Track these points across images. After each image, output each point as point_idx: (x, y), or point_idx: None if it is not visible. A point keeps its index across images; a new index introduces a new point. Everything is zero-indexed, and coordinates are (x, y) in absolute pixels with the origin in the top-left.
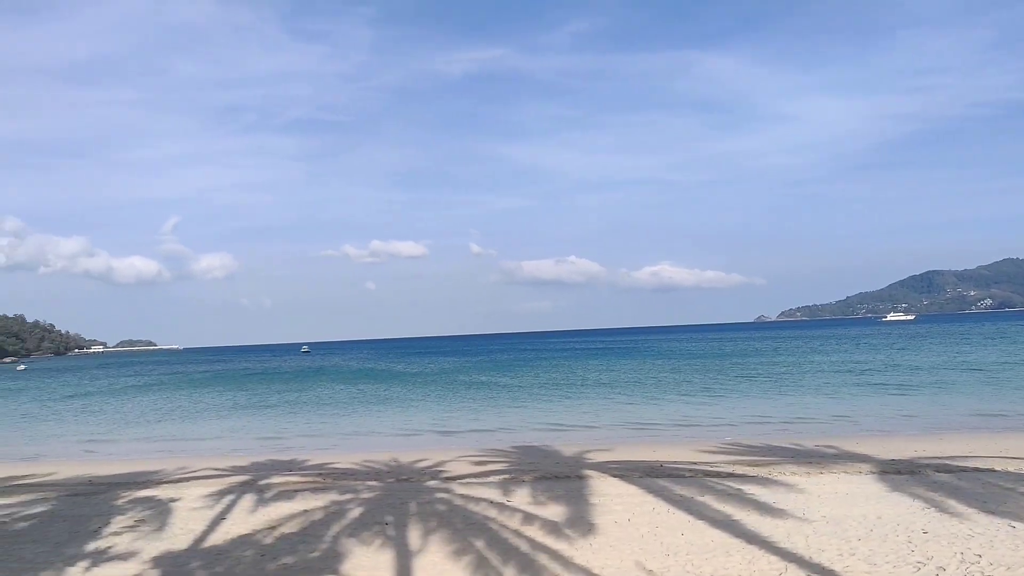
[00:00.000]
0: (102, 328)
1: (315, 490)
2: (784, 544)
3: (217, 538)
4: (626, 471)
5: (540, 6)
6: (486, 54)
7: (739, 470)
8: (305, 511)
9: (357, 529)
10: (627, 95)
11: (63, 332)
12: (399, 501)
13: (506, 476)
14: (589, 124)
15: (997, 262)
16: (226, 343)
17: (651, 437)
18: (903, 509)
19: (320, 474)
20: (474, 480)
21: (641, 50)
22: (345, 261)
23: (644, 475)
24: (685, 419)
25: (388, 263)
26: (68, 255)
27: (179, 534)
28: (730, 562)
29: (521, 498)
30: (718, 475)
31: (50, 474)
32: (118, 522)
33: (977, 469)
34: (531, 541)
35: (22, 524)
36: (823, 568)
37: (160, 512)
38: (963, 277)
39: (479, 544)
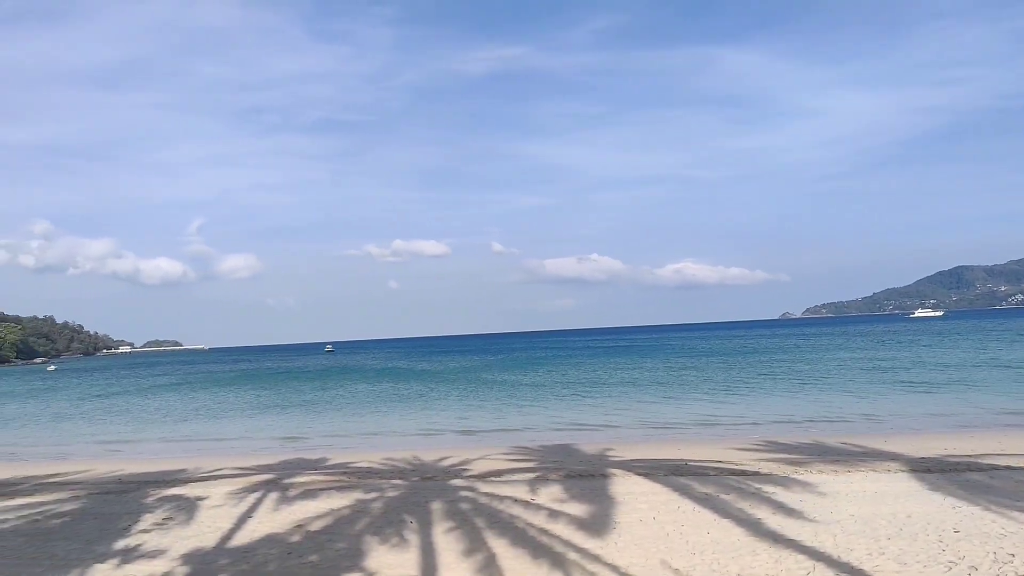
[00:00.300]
0: (130, 329)
1: (340, 489)
2: (811, 543)
3: (244, 536)
4: (651, 469)
5: (560, 4)
6: (506, 52)
7: (765, 469)
8: (330, 510)
9: (382, 527)
10: (648, 92)
11: (92, 333)
12: (423, 500)
13: (530, 475)
14: (610, 121)
15: None
16: (251, 343)
17: (675, 436)
18: (933, 508)
19: (344, 473)
20: (498, 479)
21: (662, 47)
22: (368, 260)
23: (669, 473)
24: (709, 418)
25: (410, 262)
26: (96, 257)
27: (207, 532)
28: (756, 561)
29: (546, 496)
30: (744, 474)
31: (80, 472)
32: (147, 520)
33: (1009, 467)
34: (557, 539)
35: (54, 522)
36: (852, 567)
37: (188, 510)
38: (993, 272)
39: (504, 542)
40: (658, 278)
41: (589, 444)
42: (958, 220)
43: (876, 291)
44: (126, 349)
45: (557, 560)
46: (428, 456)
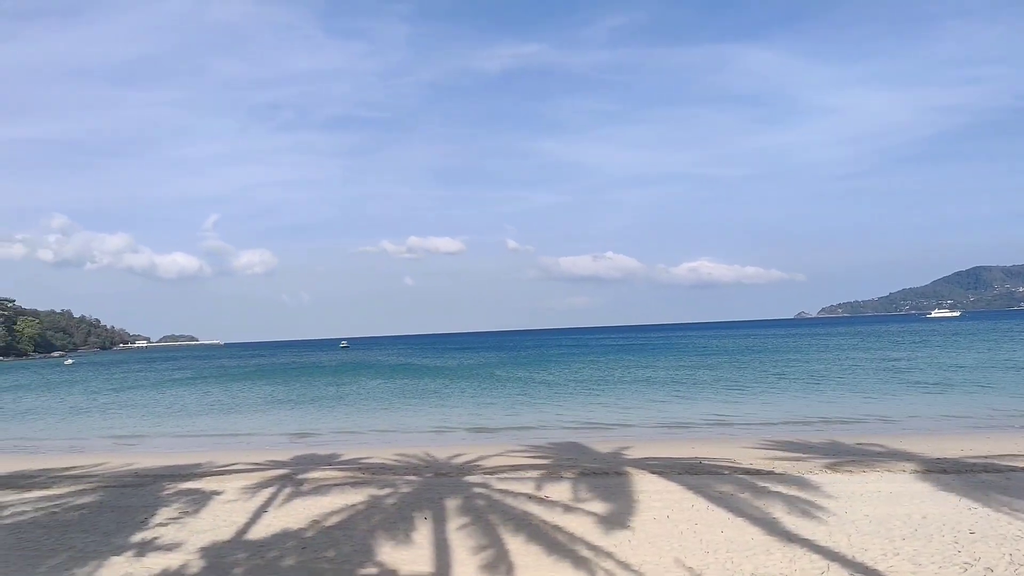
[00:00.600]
0: (146, 323)
1: (354, 484)
2: (826, 543)
3: (259, 530)
4: (665, 468)
5: (577, 1)
6: (523, 49)
7: (779, 468)
8: (345, 505)
9: (396, 523)
10: (665, 89)
11: (108, 327)
12: (437, 496)
13: (544, 472)
14: (627, 119)
15: None
16: (266, 338)
17: (689, 434)
18: (949, 509)
19: (358, 468)
20: (512, 476)
21: (679, 44)
22: (383, 257)
23: (683, 472)
24: (723, 417)
25: (425, 259)
26: (113, 251)
27: (222, 526)
28: (770, 560)
29: (560, 494)
30: (758, 473)
31: (97, 465)
32: (163, 513)
33: None
34: (570, 536)
35: (72, 514)
36: (866, 567)
37: (203, 504)
38: (1011, 273)
39: (518, 539)
40: (673, 277)
41: (603, 442)
42: (976, 220)
43: (892, 291)
44: (142, 343)
45: (571, 557)
46: (442, 453)
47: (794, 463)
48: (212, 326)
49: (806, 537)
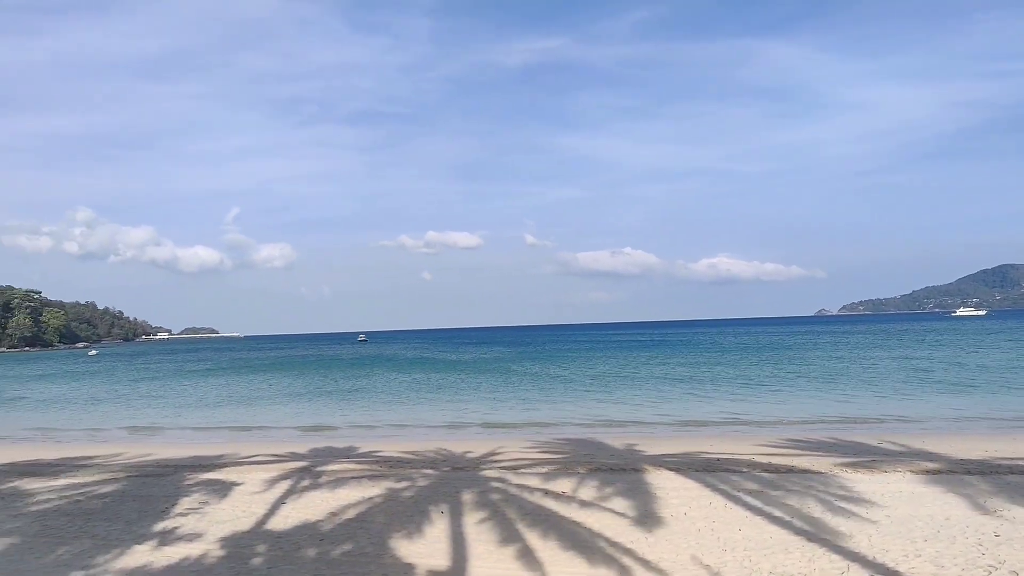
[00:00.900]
0: (167, 315)
1: (372, 477)
2: (845, 543)
3: (278, 522)
4: (682, 465)
5: None
6: (544, 44)
7: (798, 466)
8: (363, 498)
9: (413, 516)
10: (687, 84)
11: (131, 319)
12: (454, 490)
13: (560, 467)
14: (647, 114)
15: None
16: (286, 331)
17: (706, 431)
18: (973, 511)
19: (376, 462)
20: (528, 470)
21: (701, 39)
22: (402, 251)
23: (700, 469)
24: (740, 414)
25: (444, 253)
26: (136, 244)
27: (242, 516)
28: (789, 559)
29: (576, 489)
30: (776, 470)
31: (119, 455)
32: (184, 503)
33: None
34: (587, 531)
35: (95, 503)
36: (887, 569)
37: (224, 495)
38: None
39: (535, 533)
40: (692, 272)
41: (619, 438)
42: (1003, 217)
43: (916, 289)
44: (164, 335)
45: (588, 552)
46: (458, 447)
47: (812, 461)
48: (232, 319)
49: (825, 536)
